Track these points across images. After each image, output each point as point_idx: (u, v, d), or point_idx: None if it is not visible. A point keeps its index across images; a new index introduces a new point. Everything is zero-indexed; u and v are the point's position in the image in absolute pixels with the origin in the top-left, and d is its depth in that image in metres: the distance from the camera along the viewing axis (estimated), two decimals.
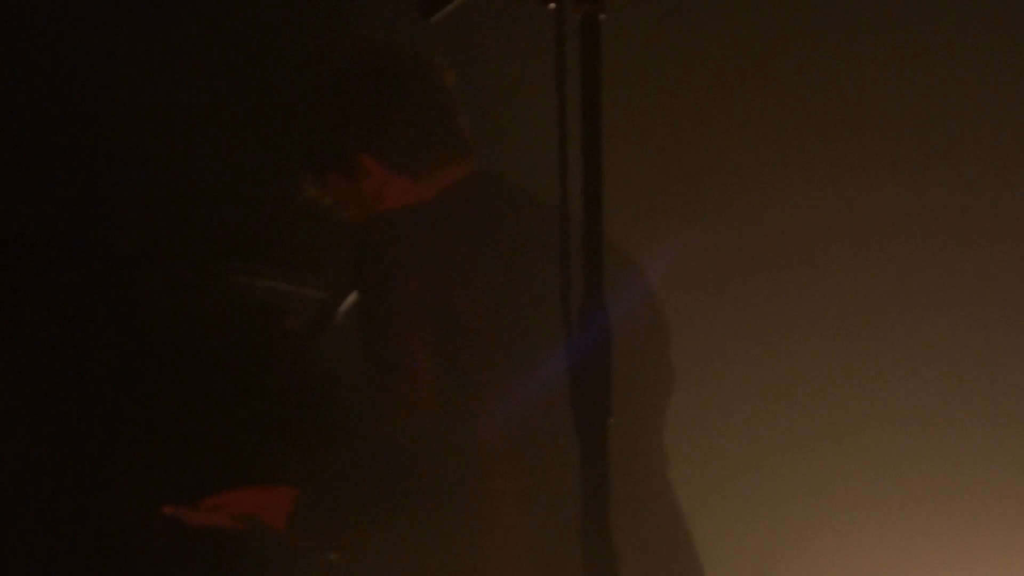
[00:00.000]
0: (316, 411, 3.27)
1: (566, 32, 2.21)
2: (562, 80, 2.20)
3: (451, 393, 2.91)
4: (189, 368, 3.33)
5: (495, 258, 2.97)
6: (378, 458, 2.91)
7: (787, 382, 4.94)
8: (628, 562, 2.16)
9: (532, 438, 2.93)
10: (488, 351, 2.92)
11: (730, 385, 4.87)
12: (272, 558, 3.19)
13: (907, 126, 5.00)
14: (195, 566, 3.16)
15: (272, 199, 4.10)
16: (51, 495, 3.08)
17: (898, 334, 5.02)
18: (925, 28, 4.93)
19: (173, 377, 3.29)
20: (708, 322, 4.66)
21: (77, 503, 3.06)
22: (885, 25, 4.96)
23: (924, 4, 4.90)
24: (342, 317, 3.48)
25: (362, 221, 3.10)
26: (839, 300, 5.06)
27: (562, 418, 2.26)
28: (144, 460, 3.17)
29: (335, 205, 3.18)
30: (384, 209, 3.07)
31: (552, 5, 2.20)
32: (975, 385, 5.01)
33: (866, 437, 5.00)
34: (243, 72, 4.35)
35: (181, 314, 3.36)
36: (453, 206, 3.02)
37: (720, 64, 4.98)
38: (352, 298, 3.40)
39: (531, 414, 2.92)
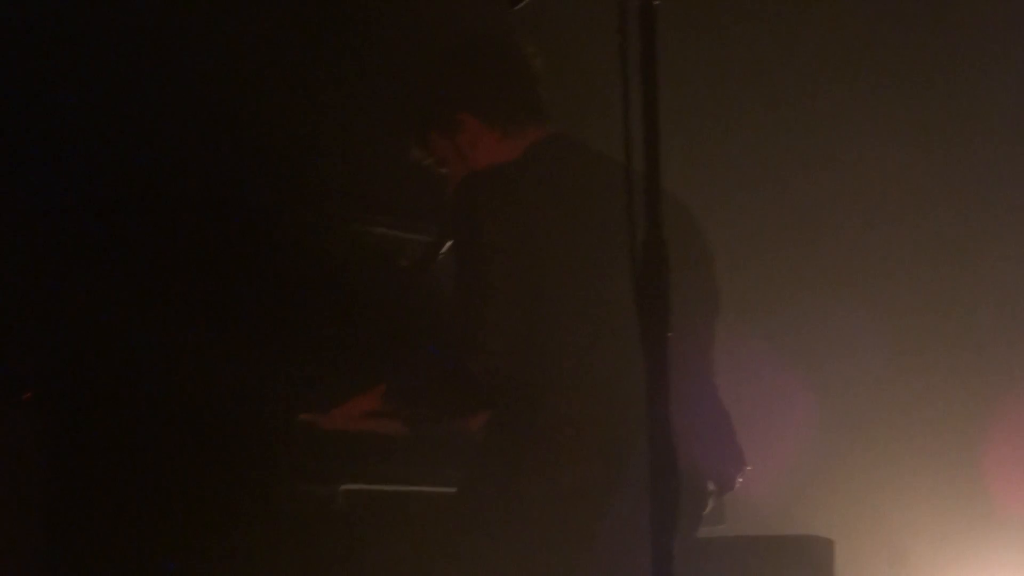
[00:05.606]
0: (420, 335, 3.74)
1: (627, 17, 2.58)
2: (625, 54, 2.58)
3: (525, 329, 3.35)
4: (316, 301, 3.83)
5: (569, 207, 3.42)
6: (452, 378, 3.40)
7: None
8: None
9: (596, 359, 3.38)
10: (563, 289, 3.37)
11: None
12: None
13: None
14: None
15: (386, 161, 4.60)
16: (197, 410, 3.59)
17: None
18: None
19: (303, 308, 3.80)
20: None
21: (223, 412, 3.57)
22: None
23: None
24: (443, 257, 3.96)
25: (457, 178, 3.60)
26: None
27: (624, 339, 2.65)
28: (281, 375, 3.69)
29: (436, 163, 3.74)
30: (476, 166, 3.58)
31: None
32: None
33: None
34: (365, 57, 4.89)
35: (312, 256, 3.89)
36: (533, 164, 3.51)
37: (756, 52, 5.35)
38: (451, 242, 3.89)
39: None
